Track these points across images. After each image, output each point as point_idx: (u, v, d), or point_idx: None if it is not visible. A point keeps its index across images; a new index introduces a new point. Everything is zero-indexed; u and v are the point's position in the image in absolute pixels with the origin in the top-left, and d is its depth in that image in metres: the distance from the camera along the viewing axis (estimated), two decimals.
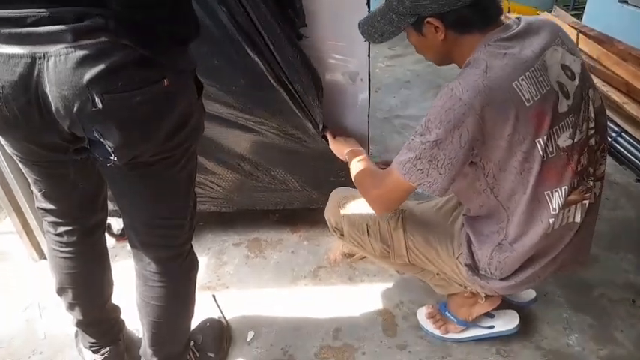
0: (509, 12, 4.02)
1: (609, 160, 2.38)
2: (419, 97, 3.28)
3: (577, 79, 1.04)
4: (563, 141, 1.02)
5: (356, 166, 1.32)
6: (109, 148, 0.89)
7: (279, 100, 1.48)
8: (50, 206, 1.17)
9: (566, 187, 1.05)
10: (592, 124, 1.08)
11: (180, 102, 0.96)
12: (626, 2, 3.05)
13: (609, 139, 2.46)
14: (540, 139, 0.98)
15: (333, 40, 1.51)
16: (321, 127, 1.58)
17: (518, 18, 1.05)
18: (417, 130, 1.02)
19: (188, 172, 1.12)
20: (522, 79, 0.95)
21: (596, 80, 2.76)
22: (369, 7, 1.44)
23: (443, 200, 1.39)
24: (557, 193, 1.05)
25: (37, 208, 1.21)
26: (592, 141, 1.09)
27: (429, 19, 0.99)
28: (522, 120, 0.96)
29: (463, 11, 0.97)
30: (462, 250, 1.22)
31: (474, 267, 1.21)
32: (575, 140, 1.03)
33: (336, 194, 1.49)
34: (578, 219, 1.11)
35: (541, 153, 0.99)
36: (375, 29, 1.09)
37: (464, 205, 1.25)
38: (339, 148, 1.51)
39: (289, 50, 1.39)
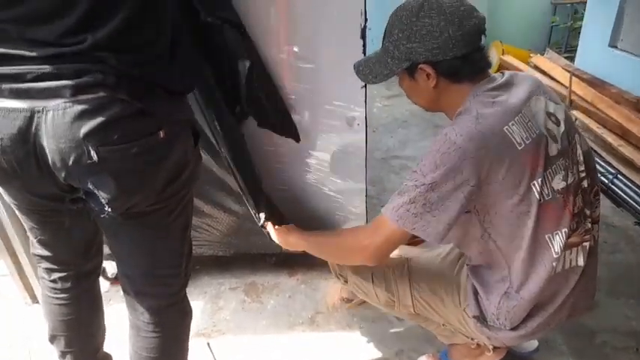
0: (503, 54, 4.12)
1: (607, 202, 2.39)
2: (416, 137, 3.31)
3: (562, 125, 1.07)
4: (557, 183, 1.03)
5: (320, 237, 1.27)
6: (102, 200, 0.90)
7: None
8: (46, 252, 1.17)
9: (565, 230, 1.05)
10: (582, 167, 1.10)
11: (176, 152, 0.97)
12: (616, 47, 3.13)
13: (606, 180, 2.48)
14: (536, 182, 1.00)
15: (330, 86, 1.54)
16: (262, 217, 1.45)
17: (501, 72, 1.10)
18: (408, 177, 1.02)
19: (184, 220, 1.12)
20: (512, 124, 0.98)
21: (590, 122, 2.80)
22: (364, 55, 1.47)
23: (447, 248, 1.37)
24: (557, 236, 1.05)
25: (33, 254, 1.20)
26: (584, 183, 1.11)
27: (422, 65, 1.02)
28: (516, 163, 0.98)
29: (454, 62, 1.00)
30: (469, 301, 1.20)
31: (481, 318, 1.19)
32: (569, 182, 1.05)
33: None
34: (581, 262, 1.11)
35: (537, 196, 1.00)
36: (371, 70, 1.13)
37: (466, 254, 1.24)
38: (284, 238, 1.38)
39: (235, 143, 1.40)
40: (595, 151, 2.72)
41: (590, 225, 1.12)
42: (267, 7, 1.40)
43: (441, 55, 0.99)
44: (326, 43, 1.47)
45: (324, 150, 1.67)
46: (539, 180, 1.00)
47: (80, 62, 0.81)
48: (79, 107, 0.81)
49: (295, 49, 1.49)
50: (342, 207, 1.77)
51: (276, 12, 1.43)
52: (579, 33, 3.67)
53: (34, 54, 0.80)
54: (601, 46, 3.21)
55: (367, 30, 1.44)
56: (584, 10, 3.60)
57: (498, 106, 1.00)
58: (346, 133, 1.64)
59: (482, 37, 1.02)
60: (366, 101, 1.58)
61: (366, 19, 1.42)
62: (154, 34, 0.89)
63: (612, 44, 3.16)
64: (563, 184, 1.04)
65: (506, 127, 0.98)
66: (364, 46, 1.46)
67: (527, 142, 0.98)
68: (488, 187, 0.98)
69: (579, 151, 1.10)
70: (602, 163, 2.58)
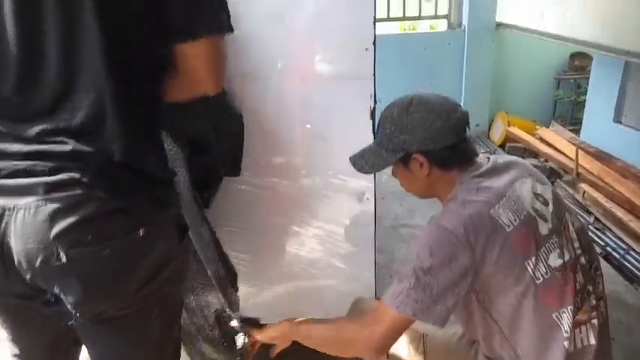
0: (509, 126, 4.22)
1: (619, 279, 2.35)
2: (425, 205, 3.26)
3: (551, 205, 1.10)
4: (554, 261, 1.04)
5: (315, 330, 1.20)
6: (68, 305, 0.82)
7: None
8: (16, 351, 1.05)
9: (571, 307, 1.05)
10: (577, 244, 1.11)
11: (157, 251, 0.88)
12: (621, 122, 3.20)
13: (617, 256, 2.46)
14: (529, 262, 1.01)
15: (340, 162, 1.59)
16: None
17: (488, 157, 1.16)
18: (406, 265, 1.04)
19: (165, 322, 1.00)
20: (498, 207, 1.02)
21: (599, 196, 2.81)
22: (374, 135, 1.54)
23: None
24: (565, 314, 1.04)
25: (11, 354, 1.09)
26: (582, 259, 1.11)
27: (415, 155, 1.09)
28: (507, 245, 1.00)
29: (444, 151, 1.08)
30: None
31: None
32: (565, 260, 1.06)
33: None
34: (593, 340, 1.09)
35: (532, 275, 1.01)
36: (366, 162, 1.20)
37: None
38: (274, 333, 1.27)
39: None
40: (605, 225, 2.72)
41: (595, 302, 1.12)
42: (281, 88, 1.49)
43: (432, 144, 1.07)
44: (338, 123, 1.54)
45: (332, 222, 1.70)
46: (533, 259, 1.02)
47: (56, 160, 0.77)
48: (52, 206, 0.75)
49: (308, 126, 1.56)
50: (350, 278, 1.77)
51: (291, 93, 1.52)
52: (583, 106, 3.76)
53: (14, 150, 0.77)
54: (605, 121, 3.28)
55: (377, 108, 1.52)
56: (587, 85, 3.73)
57: (483, 192, 1.05)
58: (355, 206, 1.67)
59: (467, 129, 1.11)
60: (375, 176, 1.63)
61: (375, 102, 1.50)
62: (146, 137, 0.87)
63: (617, 119, 3.23)
64: (560, 262, 1.05)
65: (492, 210, 1.01)
66: (373, 125, 1.53)
67: (516, 223, 1.01)
68: (483, 270, 1.00)
69: (572, 229, 1.12)
70: (613, 238, 2.57)
